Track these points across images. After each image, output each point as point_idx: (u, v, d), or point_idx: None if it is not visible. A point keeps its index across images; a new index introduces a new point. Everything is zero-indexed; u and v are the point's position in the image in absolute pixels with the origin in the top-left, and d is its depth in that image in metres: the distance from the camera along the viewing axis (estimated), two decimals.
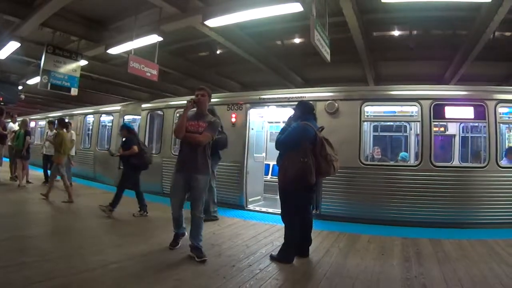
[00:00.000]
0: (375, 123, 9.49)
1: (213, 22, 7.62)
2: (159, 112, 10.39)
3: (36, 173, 10.86)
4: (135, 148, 6.58)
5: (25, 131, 9.50)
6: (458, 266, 4.25)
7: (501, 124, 7.07)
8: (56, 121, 9.31)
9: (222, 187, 8.10)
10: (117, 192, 6.58)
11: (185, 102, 4.47)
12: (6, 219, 5.85)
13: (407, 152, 8.78)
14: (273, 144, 4.87)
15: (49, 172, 10.23)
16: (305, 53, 10.96)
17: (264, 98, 8.30)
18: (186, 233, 4.64)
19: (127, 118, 12.85)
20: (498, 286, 3.65)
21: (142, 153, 6.70)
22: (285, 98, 7.92)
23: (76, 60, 10.62)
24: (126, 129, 6.97)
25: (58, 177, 7.85)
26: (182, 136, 4.38)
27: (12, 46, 9.94)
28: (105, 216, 6.38)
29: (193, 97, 4.56)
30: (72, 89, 10.71)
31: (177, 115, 9.03)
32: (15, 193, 7.88)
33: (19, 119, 11.44)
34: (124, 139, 6.93)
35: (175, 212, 4.49)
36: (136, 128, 12.61)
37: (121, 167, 7.12)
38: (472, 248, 5.06)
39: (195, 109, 4.58)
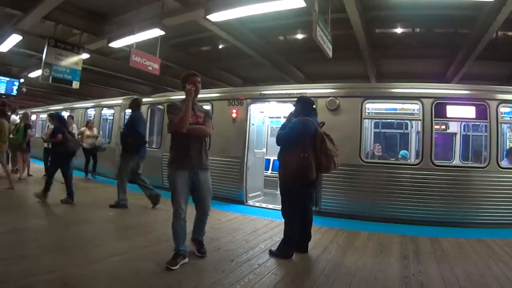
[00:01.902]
0: (376, 120, 9.49)
1: (215, 17, 7.59)
2: (159, 106, 10.38)
3: (37, 166, 10.89)
4: (59, 136, 6.94)
5: (26, 124, 9.50)
6: (456, 265, 4.27)
7: (502, 124, 7.05)
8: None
9: (222, 182, 8.14)
10: (65, 180, 6.98)
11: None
12: (6, 212, 5.89)
13: (407, 150, 8.78)
14: (274, 139, 4.87)
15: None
16: (307, 48, 10.92)
17: (265, 94, 8.30)
18: (187, 257, 4.00)
19: (128, 111, 12.85)
20: (495, 284, 3.66)
21: (65, 141, 6.98)
22: (286, 94, 7.92)
23: (78, 53, 10.59)
24: (56, 118, 7.53)
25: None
26: (186, 129, 3.88)
27: (14, 39, 9.91)
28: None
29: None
30: (74, 82, 10.68)
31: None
32: (16, 186, 7.88)
33: (21, 112, 11.45)
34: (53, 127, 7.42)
35: (181, 215, 3.89)
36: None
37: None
38: (471, 247, 5.08)
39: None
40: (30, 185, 7.77)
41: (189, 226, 4.11)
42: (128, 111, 12.71)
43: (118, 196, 6.86)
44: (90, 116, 13.82)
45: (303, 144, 4.33)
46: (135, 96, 7.99)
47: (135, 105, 7.30)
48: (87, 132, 10.89)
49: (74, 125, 10.40)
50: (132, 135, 6.94)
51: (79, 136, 10.41)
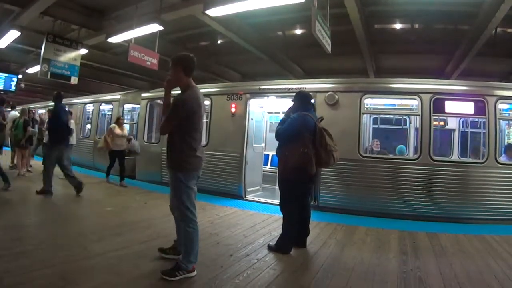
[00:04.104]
0: (375, 116, 9.49)
1: (214, 12, 7.54)
2: (158, 101, 10.36)
3: (37, 162, 10.87)
4: None
5: (25, 120, 9.46)
6: (454, 261, 4.29)
7: (501, 121, 7.06)
8: None
9: (221, 177, 8.15)
10: None
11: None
12: (4, 208, 5.88)
13: (404, 146, 8.78)
14: (273, 134, 4.87)
15: None
16: (306, 44, 10.88)
17: (264, 89, 8.30)
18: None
19: (127, 106, 12.84)
20: (493, 281, 3.68)
21: None
22: (285, 88, 7.90)
23: (76, 48, 10.57)
24: None
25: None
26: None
27: (12, 35, 9.86)
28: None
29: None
30: (72, 77, 10.68)
31: None
32: (14, 182, 7.85)
33: (19, 108, 11.42)
34: None
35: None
36: (135, 117, 12.68)
37: None
38: (469, 243, 5.10)
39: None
40: (29, 181, 7.75)
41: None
42: (130, 106, 12.83)
43: (44, 183, 7.06)
44: (89, 112, 13.84)
45: (303, 139, 4.34)
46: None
47: (57, 98, 7.53)
48: (117, 131, 9.13)
49: (72, 121, 10.32)
50: (55, 126, 7.31)
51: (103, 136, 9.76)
